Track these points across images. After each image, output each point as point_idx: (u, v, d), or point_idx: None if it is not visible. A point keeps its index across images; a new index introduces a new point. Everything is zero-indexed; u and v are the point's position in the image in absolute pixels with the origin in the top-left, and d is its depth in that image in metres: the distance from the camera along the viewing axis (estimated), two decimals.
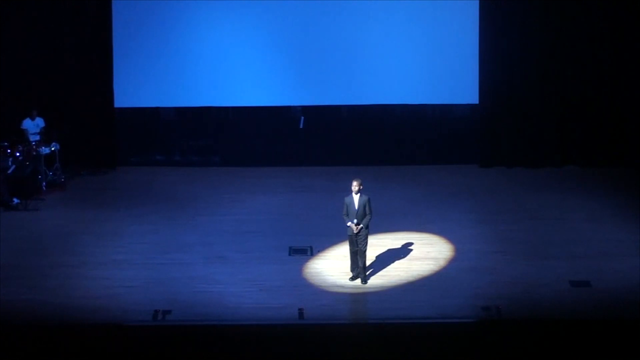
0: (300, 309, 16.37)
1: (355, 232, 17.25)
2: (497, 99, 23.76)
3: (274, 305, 16.60)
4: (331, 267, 18.13)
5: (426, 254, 18.72)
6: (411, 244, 19.11)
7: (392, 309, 16.50)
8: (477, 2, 23.46)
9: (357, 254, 17.42)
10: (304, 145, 24.14)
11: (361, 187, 17.45)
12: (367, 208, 17.36)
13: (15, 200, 21.05)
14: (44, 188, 22.02)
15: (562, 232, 19.75)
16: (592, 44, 23.54)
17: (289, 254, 18.82)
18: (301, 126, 23.99)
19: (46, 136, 22.32)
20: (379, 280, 17.59)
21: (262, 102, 23.88)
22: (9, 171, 21.13)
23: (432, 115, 24.15)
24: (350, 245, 17.49)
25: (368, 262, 17.66)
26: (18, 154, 21.40)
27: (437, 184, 22.79)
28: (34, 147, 21.84)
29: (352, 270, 17.57)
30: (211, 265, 18.28)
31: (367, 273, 17.52)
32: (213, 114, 24.11)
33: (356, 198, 17.38)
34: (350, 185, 17.50)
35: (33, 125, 22.34)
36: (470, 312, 16.46)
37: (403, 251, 18.79)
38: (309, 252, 18.90)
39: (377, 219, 20.40)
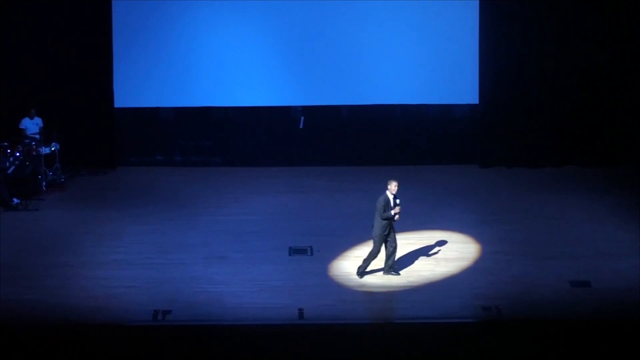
0: (300, 309, 16.36)
1: (398, 216, 17.39)
2: (497, 99, 23.76)
3: (274, 305, 16.59)
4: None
5: (426, 254, 18.71)
6: (411, 244, 19.10)
7: (391, 309, 16.49)
8: (477, 2, 23.47)
9: (387, 252, 17.54)
10: (304, 145, 24.14)
11: None
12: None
13: (15, 200, 21.05)
14: (44, 188, 22.01)
15: (562, 232, 19.75)
16: (592, 44, 23.54)
17: (289, 254, 18.82)
18: (301, 126, 23.99)
19: (46, 136, 22.32)
20: (379, 280, 17.59)
21: (262, 102, 23.89)
22: (9, 171, 21.13)
23: (432, 115, 24.16)
24: (378, 246, 17.47)
25: (373, 263, 17.75)
26: (18, 154, 21.40)
27: (437, 184, 22.79)
28: (34, 147, 21.83)
29: (359, 269, 17.63)
30: (211, 265, 18.28)
31: (367, 271, 17.61)
32: (213, 114, 24.11)
33: (391, 198, 17.50)
34: (387, 184, 17.58)
35: (32, 125, 22.34)
36: (470, 312, 16.46)
37: (403, 251, 18.77)
38: (309, 252, 18.91)
39: None
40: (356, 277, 17.65)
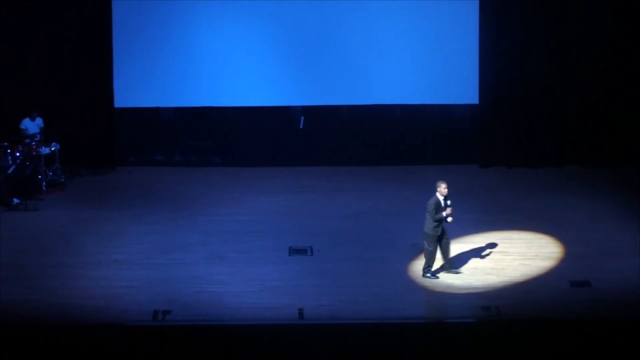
0: (300, 309, 16.36)
1: (450, 219, 17.52)
2: (497, 99, 23.77)
3: (274, 305, 16.59)
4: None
5: None
6: (411, 244, 19.09)
7: (392, 309, 16.49)
8: (477, 2, 23.47)
9: (442, 249, 17.67)
10: (304, 145, 24.14)
11: None
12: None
13: (15, 200, 21.05)
14: (44, 188, 22.01)
15: (562, 232, 19.74)
16: (592, 44, 23.54)
17: (289, 254, 18.82)
18: (301, 126, 23.99)
19: (46, 136, 22.32)
20: (378, 280, 17.59)
21: (262, 102, 23.89)
22: (9, 171, 21.13)
23: (432, 115, 24.16)
24: (431, 245, 17.52)
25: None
26: (18, 154, 21.41)
27: None
28: (34, 147, 21.83)
29: (425, 271, 17.68)
30: (211, 265, 18.28)
31: (434, 270, 17.79)
32: (213, 114, 24.12)
33: (441, 199, 17.59)
34: (438, 187, 17.62)
35: (33, 125, 22.32)
36: (470, 312, 16.46)
37: (403, 252, 18.77)
38: (309, 252, 18.90)
39: (377, 219, 20.48)
40: (358, 277, 17.69)
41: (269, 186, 22.64)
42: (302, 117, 23.99)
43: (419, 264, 18.17)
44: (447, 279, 17.63)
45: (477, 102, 23.88)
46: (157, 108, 24.06)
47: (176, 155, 24.25)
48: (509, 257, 18.55)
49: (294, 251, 18.94)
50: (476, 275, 17.73)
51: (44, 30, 23.27)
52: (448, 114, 24.13)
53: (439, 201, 17.59)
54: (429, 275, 17.59)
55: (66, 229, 19.96)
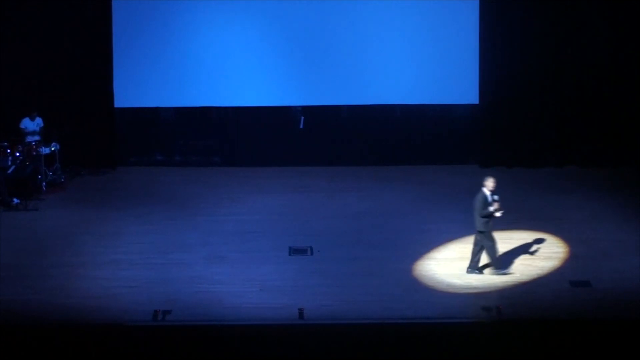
0: (300, 309, 16.36)
1: (499, 213, 17.49)
2: (497, 99, 23.78)
3: (274, 305, 16.59)
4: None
5: (426, 254, 18.71)
6: (411, 244, 19.09)
7: (392, 309, 16.49)
8: (477, 2, 23.48)
9: (474, 251, 17.73)
10: (304, 145, 24.14)
11: None
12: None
13: (15, 200, 21.05)
14: (44, 188, 22.01)
15: (562, 232, 19.74)
16: (592, 44, 23.55)
17: (289, 254, 18.82)
18: (301, 126, 23.99)
19: (46, 136, 22.32)
20: (378, 280, 17.59)
21: (262, 102, 23.89)
22: (9, 171, 21.13)
23: (432, 115, 24.16)
24: (490, 239, 17.56)
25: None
26: (18, 154, 21.41)
27: (437, 184, 22.78)
28: (34, 147, 21.83)
29: (494, 267, 17.75)
30: (211, 265, 18.28)
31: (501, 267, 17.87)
32: (213, 114, 24.12)
33: (488, 195, 17.64)
34: (484, 182, 17.66)
35: (33, 125, 22.33)
36: (470, 312, 16.46)
37: (403, 252, 18.77)
38: (309, 252, 18.91)
39: (377, 219, 20.48)
40: (358, 277, 17.69)
41: (269, 186, 22.64)
42: (302, 117, 23.99)
43: (420, 264, 18.19)
44: (447, 279, 17.64)
45: (477, 102, 23.89)
46: (157, 108, 24.06)
47: (176, 155, 24.25)
48: (509, 257, 18.55)
49: (294, 251, 18.94)
50: (476, 275, 17.72)
51: (44, 30, 23.27)
52: (448, 114, 24.12)
53: (485, 197, 17.61)
54: (503, 271, 17.65)
55: (66, 229, 19.97)
